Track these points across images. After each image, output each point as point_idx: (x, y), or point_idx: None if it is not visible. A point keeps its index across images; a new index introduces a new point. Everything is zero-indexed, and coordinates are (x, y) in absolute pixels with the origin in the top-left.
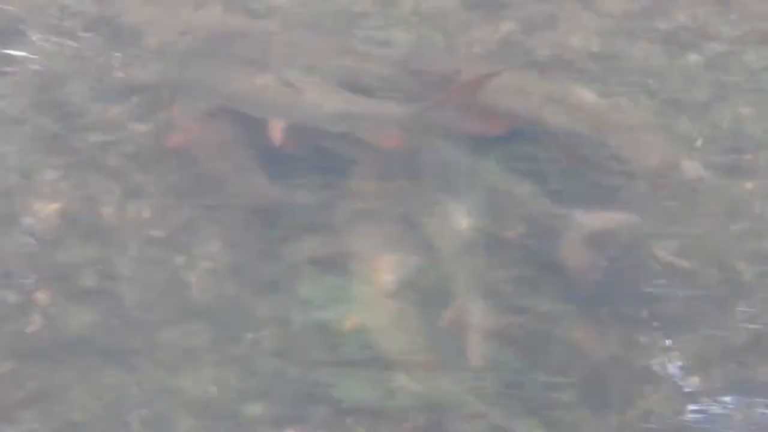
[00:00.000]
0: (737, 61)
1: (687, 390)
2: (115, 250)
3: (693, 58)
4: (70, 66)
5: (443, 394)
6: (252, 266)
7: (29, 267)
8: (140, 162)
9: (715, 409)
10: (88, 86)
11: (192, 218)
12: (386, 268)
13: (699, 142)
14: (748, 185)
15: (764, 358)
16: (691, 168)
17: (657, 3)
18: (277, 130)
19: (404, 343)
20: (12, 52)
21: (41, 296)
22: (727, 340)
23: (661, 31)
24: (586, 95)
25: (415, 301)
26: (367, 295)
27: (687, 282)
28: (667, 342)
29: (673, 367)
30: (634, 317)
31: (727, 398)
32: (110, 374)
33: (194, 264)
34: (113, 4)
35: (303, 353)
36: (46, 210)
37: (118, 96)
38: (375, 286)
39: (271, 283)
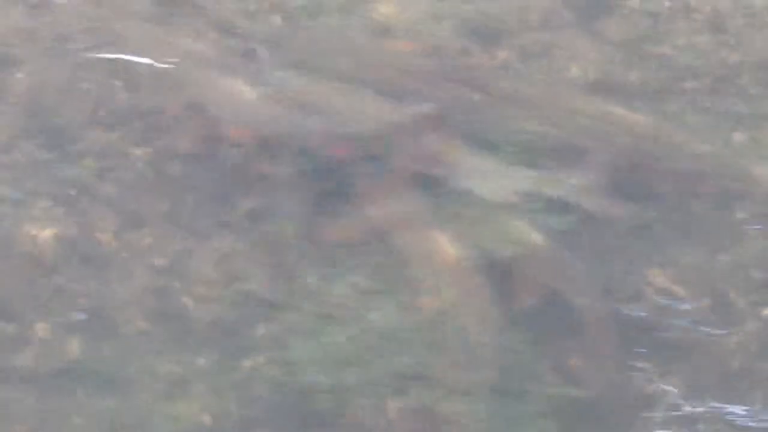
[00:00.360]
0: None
1: (680, 415)
2: (111, 277)
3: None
4: (65, 91)
5: None
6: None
7: (25, 294)
8: (138, 189)
9: None
10: (84, 112)
11: (190, 245)
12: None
13: None
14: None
15: (757, 386)
16: None
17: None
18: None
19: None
20: (5, 77)
21: (37, 324)
22: (721, 368)
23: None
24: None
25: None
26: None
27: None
28: (662, 368)
29: (666, 394)
30: (628, 344)
31: (721, 425)
32: (106, 402)
33: (192, 290)
34: (110, 30)
35: (305, 379)
36: (42, 236)
37: (115, 122)
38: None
39: (273, 308)
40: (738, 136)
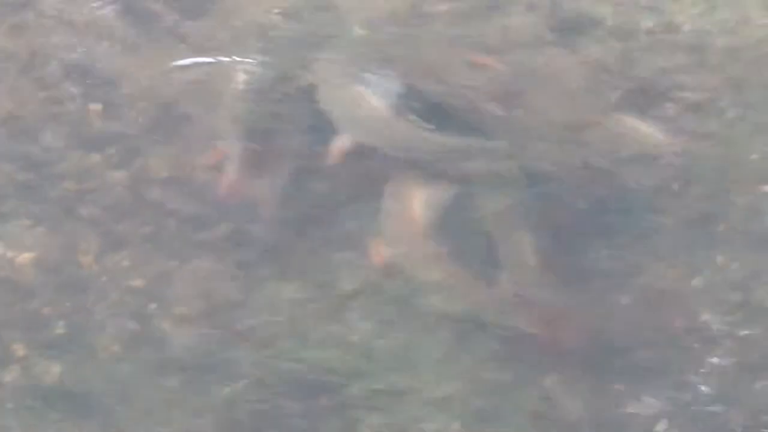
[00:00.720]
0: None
1: None
2: (90, 300)
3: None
4: (45, 114)
5: None
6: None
7: (4, 317)
8: (117, 211)
9: None
10: (64, 135)
11: (169, 267)
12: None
13: None
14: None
15: (734, 407)
16: None
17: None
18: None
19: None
20: None
21: (16, 347)
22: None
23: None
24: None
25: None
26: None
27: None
28: (638, 390)
29: (643, 417)
30: (604, 367)
31: None
32: (84, 426)
33: (170, 312)
34: (89, 53)
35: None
36: (20, 259)
37: (94, 145)
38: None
39: (250, 330)
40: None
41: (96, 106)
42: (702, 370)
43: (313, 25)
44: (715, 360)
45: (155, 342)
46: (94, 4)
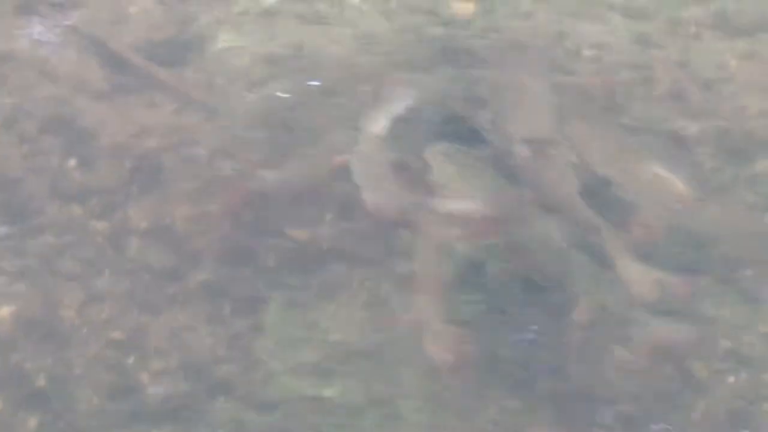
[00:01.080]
0: None
1: None
2: (69, 353)
3: None
4: (25, 167)
5: None
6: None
7: None
8: (97, 264)
9: None
10: (43, 187)
11: (148, 319)
12: None
13: None
14: None
15: None
16: None
17: None
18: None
19: None
20: None
21: None
22: None
23: None
24: None
25: None
26: None
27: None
28: None
29: None
30: (588, 413)
31: None
32: None
33: (147, 365)
34: (67, 105)
35: None
36: (0, 313)
37: (73, 197)
38: None
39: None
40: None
41: (76, 159)
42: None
43: (293, 74)
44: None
45: (134, 394)
46: (75, 57)
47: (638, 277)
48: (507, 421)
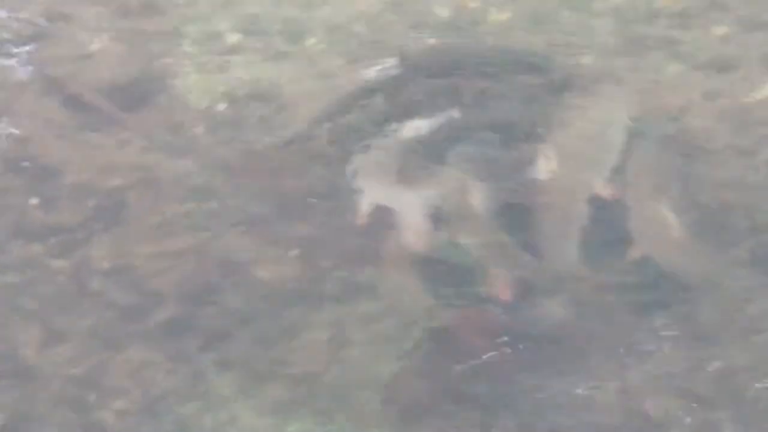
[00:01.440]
0: None
1: None
2: (31, 391)
3: None
4: None
5: None
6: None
7: None
8: (58, 302)
9: None
10: (6, 226)
11: (108, 358)
12: None
13: None
14: None
15: None
16: None
17: None
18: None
19: None
20: None
21: None
22: None
23: None
24: None
25: None
26: None
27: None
28: None
29: None
30: None
31: None
32: None
33: (109, 404)
34: (31, 144)
35: None
36: None
37: (36, 236)
38: None
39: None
40: None
41: (38, 198)
42: None
43: (258, 112)
44: None
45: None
46: (37, 96)
47: None
48: None
